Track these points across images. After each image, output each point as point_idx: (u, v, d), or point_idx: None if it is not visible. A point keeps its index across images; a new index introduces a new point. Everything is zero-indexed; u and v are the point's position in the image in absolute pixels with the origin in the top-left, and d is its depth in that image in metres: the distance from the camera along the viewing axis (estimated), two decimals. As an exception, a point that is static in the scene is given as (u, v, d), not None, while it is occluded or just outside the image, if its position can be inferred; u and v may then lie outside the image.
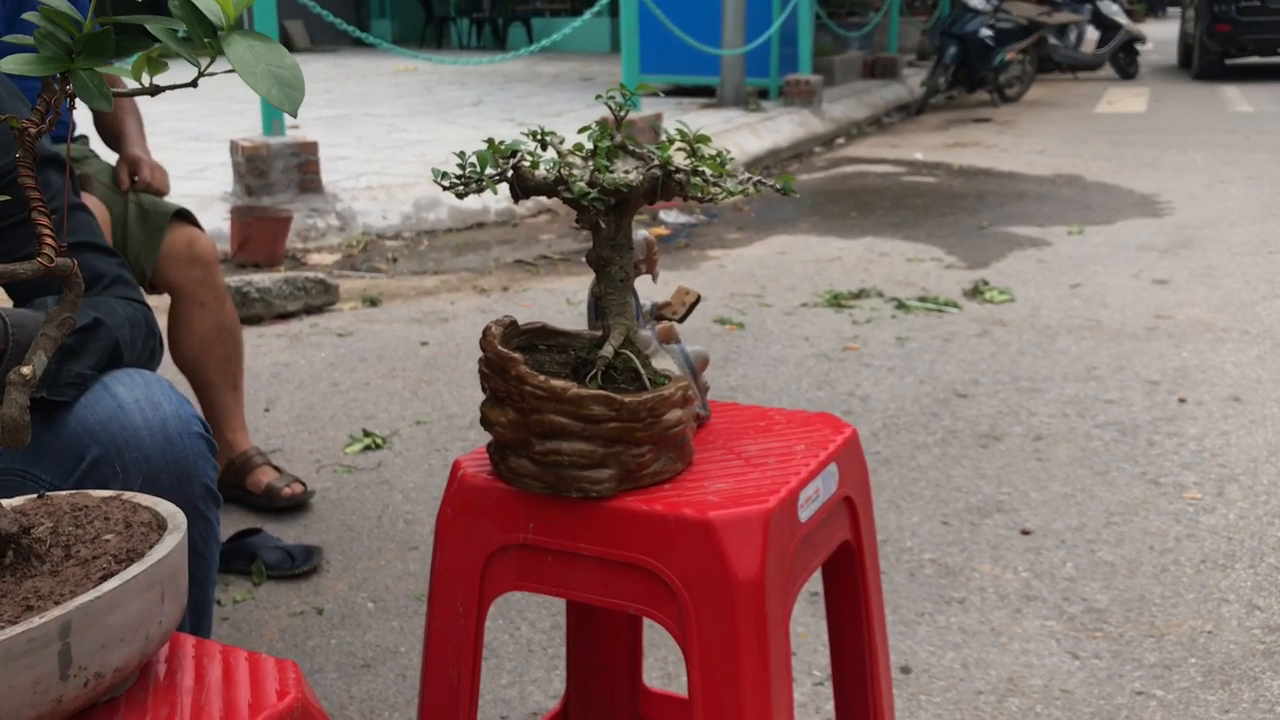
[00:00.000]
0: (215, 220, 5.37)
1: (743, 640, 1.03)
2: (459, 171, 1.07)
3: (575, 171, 1.10)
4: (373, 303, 4.44)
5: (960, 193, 6.70)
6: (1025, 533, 2.44)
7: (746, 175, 1.18)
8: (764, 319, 4.14)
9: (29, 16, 0.80)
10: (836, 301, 4.33)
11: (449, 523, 1.16)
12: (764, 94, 9.98)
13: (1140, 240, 5.27)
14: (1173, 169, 7.31)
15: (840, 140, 9.30)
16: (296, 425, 3.16)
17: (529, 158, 1.08)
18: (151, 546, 0.86)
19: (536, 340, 1.20)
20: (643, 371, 1.11)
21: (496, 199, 6.03)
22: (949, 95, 12.15)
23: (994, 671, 1.95)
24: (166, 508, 0.92)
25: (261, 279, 4.29)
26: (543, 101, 10.28)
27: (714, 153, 1.12)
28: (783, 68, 10.05)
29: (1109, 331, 3.87)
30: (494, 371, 1.10)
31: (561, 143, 1.15)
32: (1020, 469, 2.76)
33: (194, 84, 0.88)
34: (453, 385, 3.46)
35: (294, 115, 0.82)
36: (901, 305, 4.25)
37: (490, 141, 1.11)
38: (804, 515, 1.11)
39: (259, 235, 4.94)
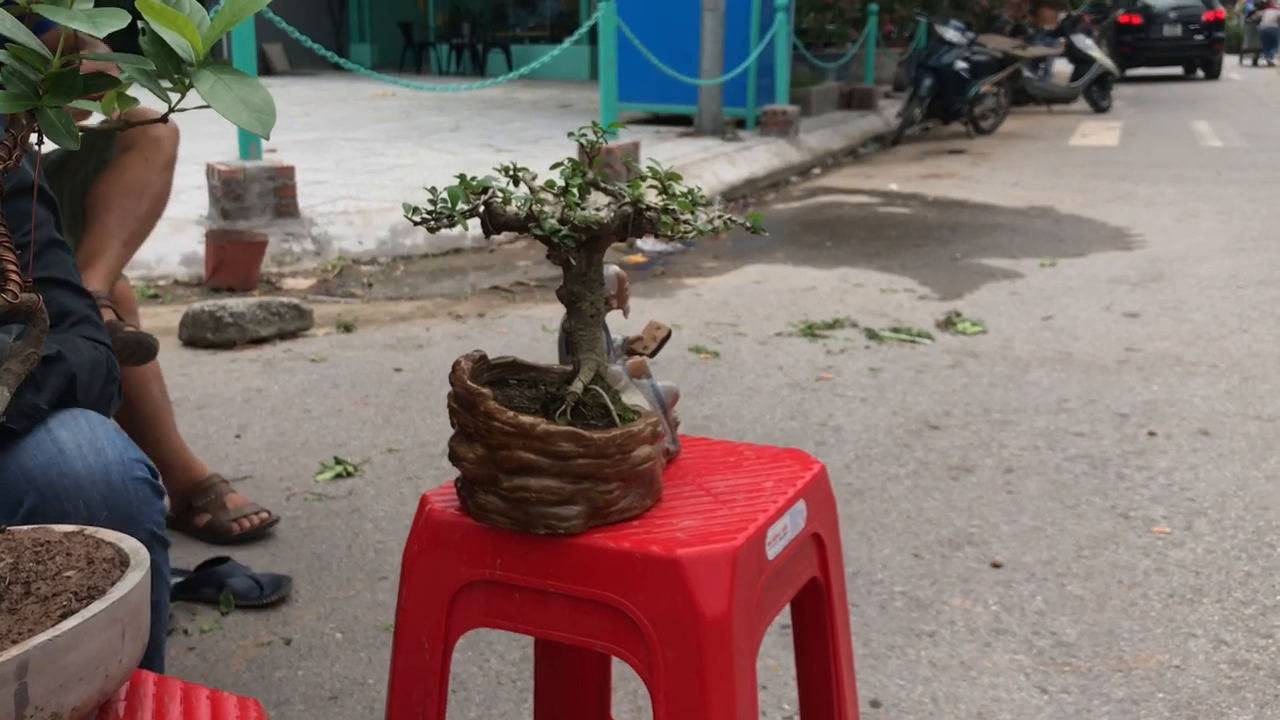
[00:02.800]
0: (190, 244, 5.35)
1: (709, 678, 1.03)
2: (430, 207, 1.07)
3: (547, 208, 1.11)
4: (347, 328, 4.43)
5: (935, 224, 6.75)
6: (995, 565, 2.45)
7: (718, 212, 1.18)
8: (739, 348, 4.15)
9: None
10: (811, 331, 4.34)
11: (415, 558, 1.16)
12: (741, 124, 10.04)
13: (1112, 273, 5.32)
14: (1145, 202, 7.39)
15: (817, 170, 9.36)
16: (268, 452, 3.14)
17: (500, 194, 1.08)
18: (114, 583, 0.86)
19: (508, 375, 1.21)
20: (612, 408, 1.12)
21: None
22: (924, 126, 12.26)
23: (963, 706, 1.95)
24: (130, 544, 0.92)
25: (236, 304, 4.27)
26: (521, 127, 10.31)
27: (684, 191, 1.13)
28: (760, 98, 10.12)
29: (1080, 364, 3.90)
30: (462, 407, 1.10)
31: (534, 178, 1.16)
32: (991, 501, 2.78)
33: (164, 119, 0.88)
34: (425, 413, 3.45)
35: (266, 137, 0.82)
36: (875, 335, 4.27)
37: (462, 178, 1.11)
38: (771, 553, 1.12)
39: (234, 259, 4.92)
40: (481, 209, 1.07)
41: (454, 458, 1.11)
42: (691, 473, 1.23)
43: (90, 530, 0.94)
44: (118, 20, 0.70)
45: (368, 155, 8.14)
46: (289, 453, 3.14)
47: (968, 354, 4.04)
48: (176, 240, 5.22)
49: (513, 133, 9.80)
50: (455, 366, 1.13)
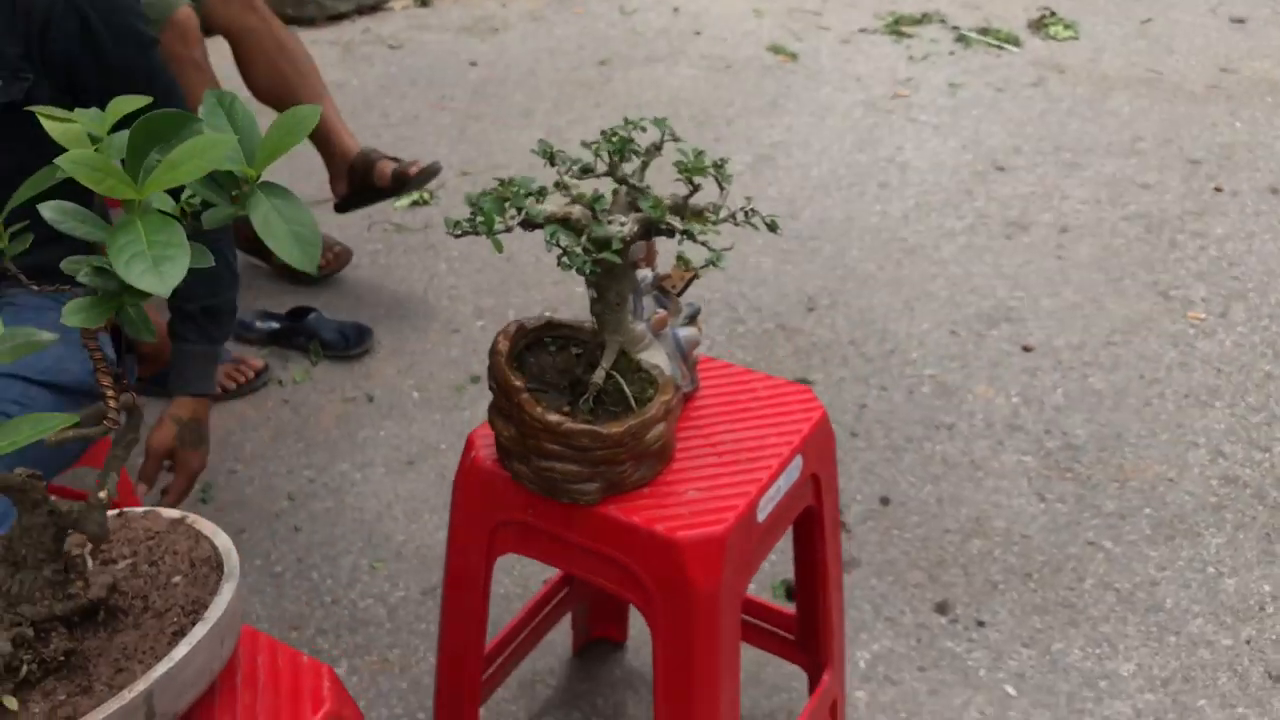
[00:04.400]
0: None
1: (698, 636, 1.24)
2: (469, 221, 1.18)
3: (574, 214, 1.20)
4: (423, 2, 4.40)
5: None
6: (1026, 349, 2.59)
7: (741, 208, 1.27)
8: (819, 48, 4.08)
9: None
10: (897, 27, 4.24)
11: (463, 492, 1.36)
12: None
13: (1231, -43, 4.99)
14: None
15: None
16: (350, 168, 3.29)
17: (534, 199, 1.18)
18: (213, 594, 1.07)
19: (545, 334, 1.34)
20: (629, 394, 1.26)
21: None
22: None
23: (964, 510, 2.17)
24: (223, 542, 1.13)
25: (315, -19, 4.26)
26: None
27: (702, 208, 1.22)
28: None
29: (1166, 88, 3.81)
30: (499, 391, 1.25)
31: (569, 169, 1.25)
32: (1039, 269, 2.87)
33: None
34: (498, 124, 3.54)
35: (314, 274, 0.94)
36: (962, 38, 4.16)
37: (502, 186, 1.20)
38: (762, 515, 1.30)
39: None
40: (514, 223, 1.18)
41: (492, 425, 1.28)
42: (704, 420, 1.39)
43: (190, 520, 1.15)
44: (179, 271, 0.81)
45: None
46: (370, 171, 3.28)
47: (1053, 68, 3.94)
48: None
49: None
50: (494, 349, 1.27)
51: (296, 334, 2.59)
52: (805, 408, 1.41)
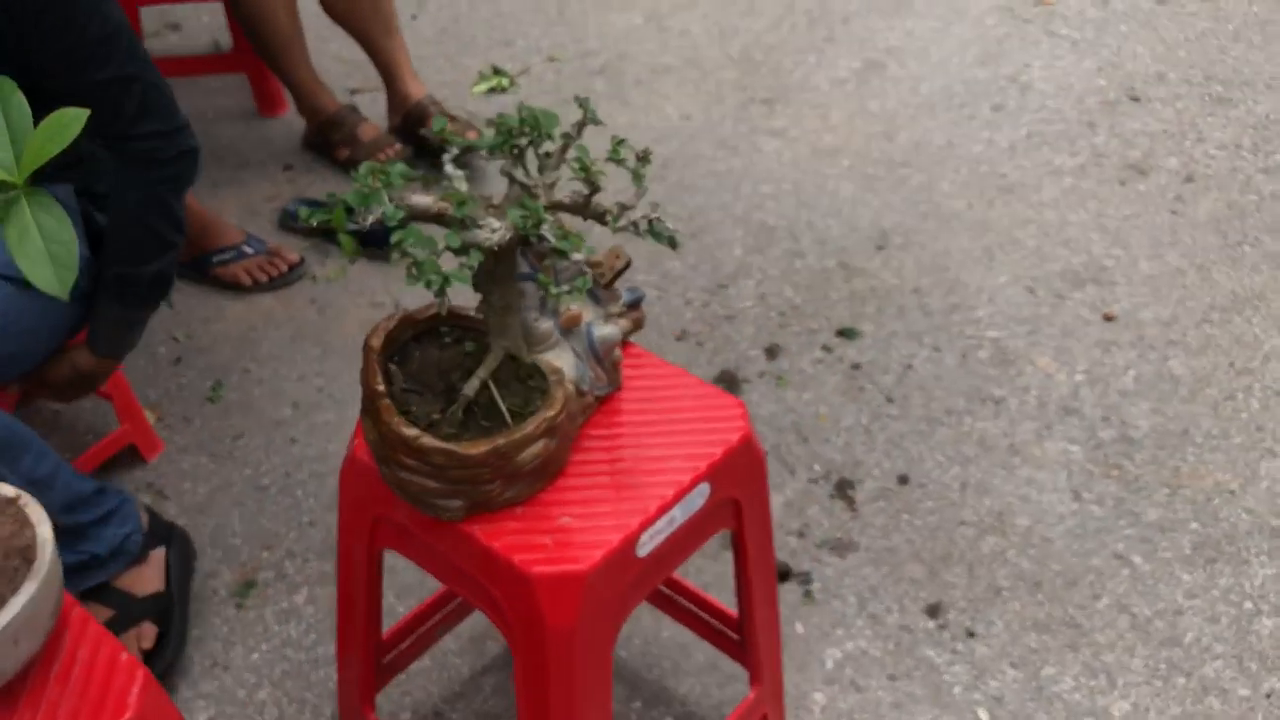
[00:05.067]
0: None
1: (553, 678, 1.16)
2: (324, 214, 1.07)
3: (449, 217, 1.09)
4: None
5: None
6: (1108, 318, 2.35)
7: (645, 215, 1.13)
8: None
9: None
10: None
11: (346, 480, 1.29)
12: None
13: None
14: None
15: None
16: (437, 44, 3.18)
17: (387, 213, 1.06)
18: (14, 593, 1.03)
19: (440, 325, 1.24)
20: (503, 407, 1.15)
21: None
22: None
23: (988, 501, 2.00)
24: (44, 533, 1.08)
25: None
26: None
27: (604, 210, 1.08)
28: None
29: (1357, 16, 3.34)
30: (364, 390, 1.16)
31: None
32: (1147, 224, 2.58)
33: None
34: (598, 6, 3.36)
35: (65, 298, 0.85)
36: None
37: (376, 171, 1.08)
38: (644, 550, 1.18)
39: None
40: (368, 222, 1.06)
41: (362, 423, 1.20)
42: (610, 429, 1.27)
43: (22, 502, 1.11)
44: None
45: None
46: (455, 49, 3.17)
47: (1230, -21, 3.50)
48: None
49: None
50: (367, 344, 1.18)
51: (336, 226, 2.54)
52: (727, 425, 1.28)
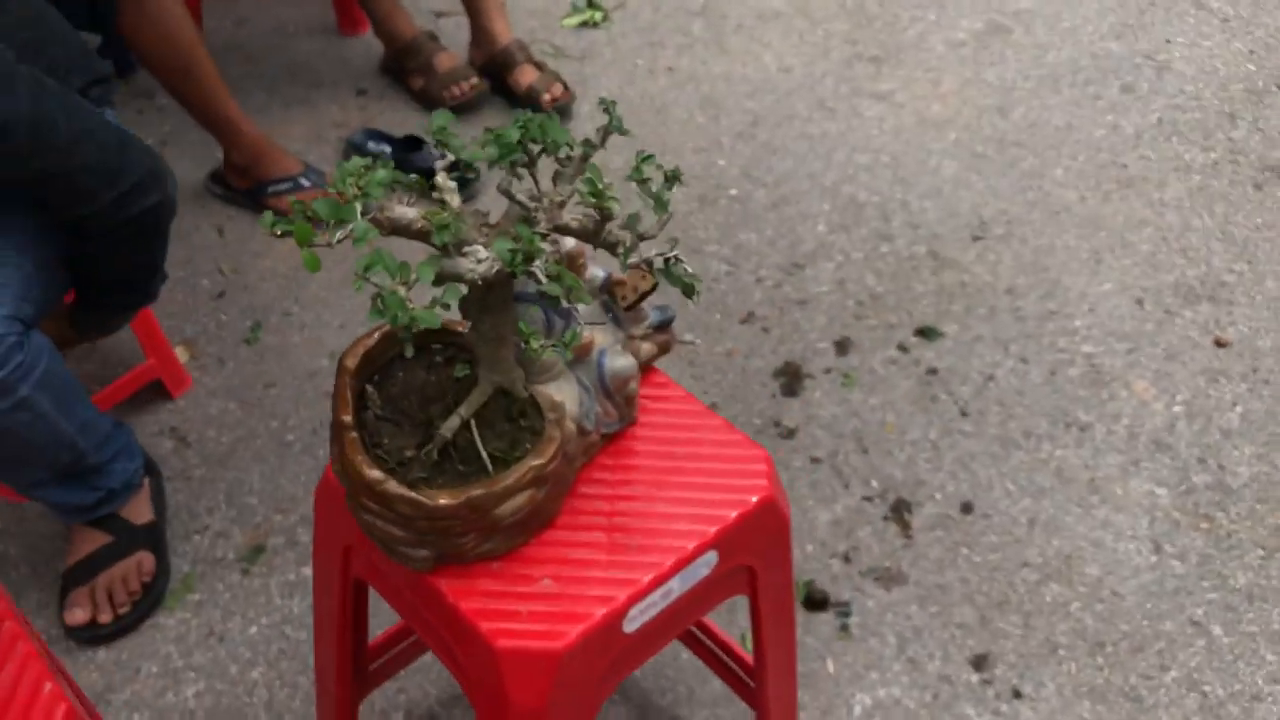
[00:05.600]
0: None
1: (513, 754, 1.03)
2: (286, 224, 0.93)
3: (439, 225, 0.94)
4: None
5: None
6: (1220, 344, 2.13)
7: (661, 254, 0.97)
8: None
9: None
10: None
11: (320, 504, 1.17)
12: None
13: None
14: None
15: None
16: (531, -31, 3.00)
17: (355, 228, 0.92)
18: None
19: (432, 342, 1.10)
20: (483, 453, 1.02)
21: None
22: None
23: (1057, 542, 1.82)
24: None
25: None
26: None
27: (615, 241, 0.93)
28: None
29: None
30: (332, 420, 1.03)
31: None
32: (1278, 237, 2.33)
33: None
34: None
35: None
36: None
37: (352, 172, 0.94)
38: (632, 626, 1.05)
39: None
40: (339, 239, 0.92)
41: (330, 452, 1.07)
42: (617, 470, 1.13)
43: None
44: None
45: None
46: (548, -24, 2.99)
47: None
48: None
49: None
50: (341, 364, 1.04)
51: (405, 165, 2.41)
52: (747, 482, 1.12)
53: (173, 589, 1.75)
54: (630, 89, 2.67)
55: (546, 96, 2.53)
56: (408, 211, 0.96)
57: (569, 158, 1.04)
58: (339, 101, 2.64)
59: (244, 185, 2.32)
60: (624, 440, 1.16)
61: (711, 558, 1.09)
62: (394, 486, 0.99)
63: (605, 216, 0.96)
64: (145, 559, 1.70)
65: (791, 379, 2.06)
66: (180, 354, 2.03)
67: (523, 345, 1.00)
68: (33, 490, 1.61)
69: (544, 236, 0.95)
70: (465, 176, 2.34)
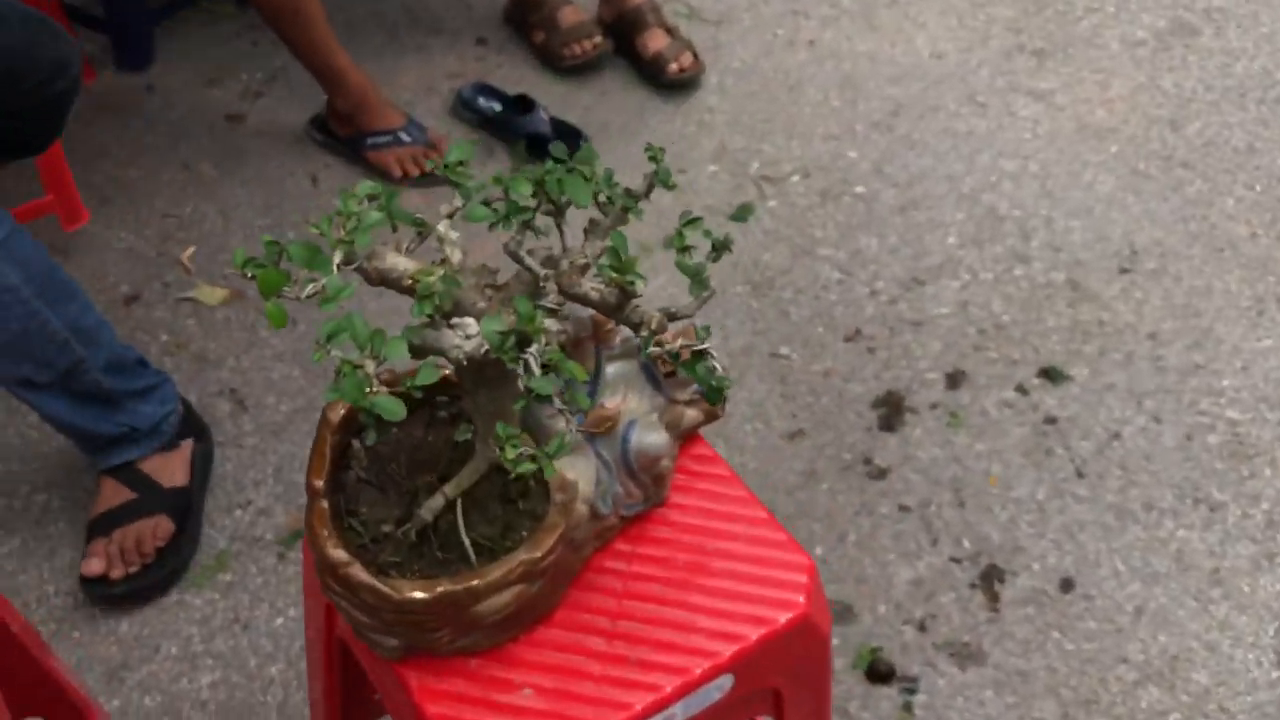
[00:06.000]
0: None
1: None
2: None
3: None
4: None
5: None
6: (1392, 426, 1.86)
7: (689, 345, 0.81)
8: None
9: None
10: None
11: (307, 555, 1.05)
12: None
13: None
14: None
15: None
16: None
17: (329, 284, 0.78)
18: None
19: (437, 395, 0.97)
20: (465, 541, 0.88)
21: None
22: None
23: (1163, 639, 1.62)
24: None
25: None
26: None
27: (639, 321, 0.78)
28: None
29: None
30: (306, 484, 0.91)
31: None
32: None
33: None
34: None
35: None
36: None
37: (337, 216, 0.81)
38: (621, 756, 0.91)
39: None
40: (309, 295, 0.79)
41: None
42: (633, 560, 0.98)
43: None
44: None
45: None
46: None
47: None
48: None
49: None
50: (323, 417, 0.92)
51: (512, 127, 2.28)
52: (782, 596, 0.97)
53: (206, 565, 1.68)
54: (765, 61, 2.47)
55: (674, 66, 2.36)
56: (401, 262, 0.82)
57: (610, 201, 0.88)
58: (457, 51, 2.50)
59: (346, 132, 2.22)
60: (647, 523, 1.01)
61: (725, 681, 0.94)
62: (358, 572, 0.86)
63: (626, 295, 0.81)
64: (163, 523, 1.64)
65: (892, 411, 1.87)
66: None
67: (541, 406, 0.86)
68: (26, 391, 1.56)
69: (553, 312, 0.80)
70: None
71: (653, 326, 0.82)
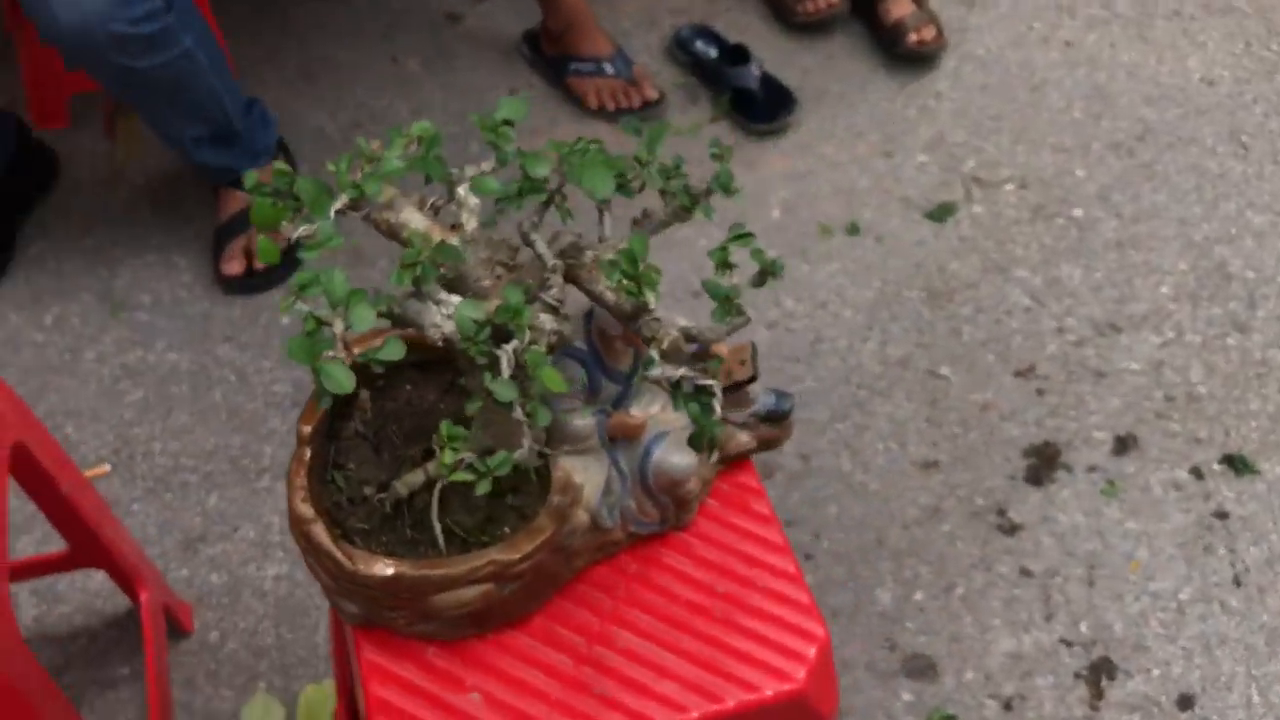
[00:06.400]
0: None
1: None
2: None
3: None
4: None
5: None
6: None
7: (703, 366, 0.72)
8: None
9: None
10: None
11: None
12: None
13: None
14: None
15: None
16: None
17: (322, 231, 0.72)
18: None
19: (428, 357, 0.89)
20: (436, 527, 0.82)
21: None
22: None
23: (1284, 792, 1.42)
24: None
25: None
26: None
27: (653, 336, 0.69)
28: None
29: None
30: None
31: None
32: None
33: None
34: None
35: None
36: None
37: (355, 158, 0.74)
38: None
39: None
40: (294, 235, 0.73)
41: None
42: (631, 584, 0.90)
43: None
44: None
45: None
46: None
47: None
48: None
49: None
50: (306, 415, 0.86)
51: (721, 77, 2.17)
52: (777, 664, 0.86)
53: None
54: (1012, 53, 2.27)
55: (914, 37, 2.19)
56: (415, 219, 0.75)
57: (674, 194, 0.79)
58: (690, -14, 2.41)
59: (553, 52, 2.17)
60: (661, 546, 0.92)
61: (697, 745, 0.85)
62: (319, 532, 0.81)
63: (638, 308, 0.71)
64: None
65: (1043, 464, 1.70)
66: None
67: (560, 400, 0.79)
68: (194, 147, 1.78)
69: (552, 308, 0.71)
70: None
71: (664, 346, 0.72)
